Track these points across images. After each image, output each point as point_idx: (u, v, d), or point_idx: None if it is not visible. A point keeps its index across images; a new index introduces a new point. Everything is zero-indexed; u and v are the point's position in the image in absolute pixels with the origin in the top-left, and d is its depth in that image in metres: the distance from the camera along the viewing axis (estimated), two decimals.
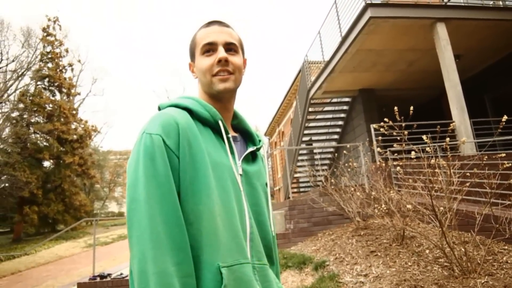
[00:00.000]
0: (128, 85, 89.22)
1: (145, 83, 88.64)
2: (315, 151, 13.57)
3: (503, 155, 3.34)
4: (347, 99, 12.03)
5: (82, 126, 26.81)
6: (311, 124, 12.75)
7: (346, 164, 6.04)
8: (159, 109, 1.07)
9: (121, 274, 5.53)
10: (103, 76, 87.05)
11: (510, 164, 3.27)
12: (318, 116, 12.66)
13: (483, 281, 2.87)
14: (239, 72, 1.10)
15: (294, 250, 5.11)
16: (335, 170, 6.95)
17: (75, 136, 25.14)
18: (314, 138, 13.76)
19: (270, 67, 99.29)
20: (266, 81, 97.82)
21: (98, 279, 5.42)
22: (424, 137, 3.08)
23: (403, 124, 4.16)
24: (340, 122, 12.58)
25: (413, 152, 3.18)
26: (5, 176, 21.63)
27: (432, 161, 3.23)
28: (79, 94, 28.60)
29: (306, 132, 12.70)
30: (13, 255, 15.98)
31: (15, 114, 24.52)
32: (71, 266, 13.26)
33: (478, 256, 3.31)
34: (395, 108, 3.66)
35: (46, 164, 26.72)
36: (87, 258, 14.92)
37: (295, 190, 16.11)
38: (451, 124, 3.77)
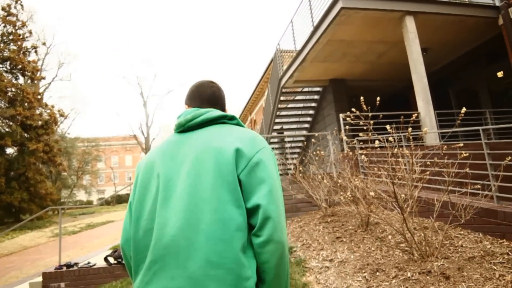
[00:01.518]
0: (98, 71, 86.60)
1: (115, 69, 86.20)
2: (285, 139, 13.71)
3: (461, 145, 3.50)
4: (318, 89, 12.18)
5: (48, 111, 25.82)
6: (283, 113, 12.86)
7: (315, 153, 6.15)
8: (238, 124, 1.40)
9: (88, 263, 5.45)
10: (71, 60, 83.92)
11: (467, 154, 3.44)
12: (290, 105, 12.77)
13: (439, 264, 3.04)
14: None
15: None
16: (304, 158, 7.06)
17: (40, 122, 24.21)
18: (285, 126, 13.91)
19: (243, 55, 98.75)
20: (239, 69, 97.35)
21: (64, 268, 5.32)
22: (387, 127, 3.18)
23: (370, 114, 4.30)
24: (311, 111, 12.75)
25: (377, 141, 3.29)
26: None
27: (395, 150, 3.36)
28: (43, 78, 27.54)
29: (277, 120, 12.81)
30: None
31: None
32: (36, 256, 12.90)
33: (437, 240, 3.48)
34: (361, 98, 3.76)
35: (9, 151, 25.73)
36: (53, 247, 14.56)
37: None
38: (413, 115, 3.91)
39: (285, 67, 11.35)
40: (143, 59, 78.30)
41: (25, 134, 24.01)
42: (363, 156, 4.25)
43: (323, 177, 5.44)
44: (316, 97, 12.37)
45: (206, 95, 1.44)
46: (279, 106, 12.14)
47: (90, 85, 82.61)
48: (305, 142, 12.81)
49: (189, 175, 1.18)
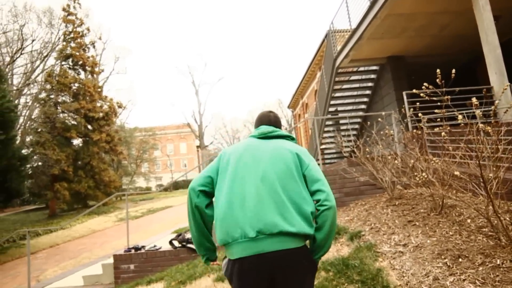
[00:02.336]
0: (150, 63, 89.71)
1: (167, 60, 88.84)
2: (343, 121, 13.32)
3: None
4: (374, 68, 11.63)
5: (107, 103, 27.19)
6: (337, 94, 12.47)
7: (382, 132, 5.85)
8: (294, 140, 2.11)
9: (154, 246, 5.64)
10: (126, 54, 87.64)
11: None
12: (345, 86, 12.34)
13: None
14: None
15: None
16: (364, 139, 6.76)
17: (101, 114, 25.59)
18: (340, 108, 13.50)
19: (293, 38, 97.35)
20: (289, 53, 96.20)
21: (133, 251, 5.55)
22: (473, 100, 2.88)
23: (444, 90, 3.98)
24: (368, 92, 12.23)
25: (460, 116, 3.00)
26: (37, 155, 22.37)
27: (479, 126, 3.04)
28: (102, 71, 28.89)
29: (332, 102, 12.46)
30: (50, 229, 16.69)
31: (43, 95, 25.14)
32: (104, 239, 13.75)
33: None
34: (438, 71, 3.45)
35: (75, 142, 27.49)
36: (118, 231, 15.44)
37: (322, 161, 16.00)
38: (484, 90, 3.53)
39: (339, 47, 10.93)
40: (193, 49, 79.88)
41: (89, 126, 25.49)
42: (435, 135, 3.93)
43: (392, 157, 5.17)
44: (372, 76, 11.82)
45: (273, 120, 2.18)
46: (334, 87, 11.76)
47: (144, 77, 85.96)
48: (362, 124, 12.36)
49: (269, 161, 1.87)
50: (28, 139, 24.72)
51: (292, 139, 2.12)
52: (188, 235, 5.46)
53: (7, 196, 12.21)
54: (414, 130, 5.85)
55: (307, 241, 1.80)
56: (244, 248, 1.69)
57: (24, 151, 24.12)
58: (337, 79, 11.64)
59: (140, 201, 32.77)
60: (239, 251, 1.70)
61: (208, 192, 1.93)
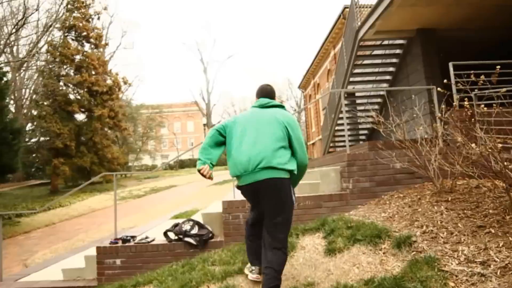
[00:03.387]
0: (158, 38, 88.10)
1: (175, 36, 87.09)
2: (360, 101, 12.20)
3: None
4: (401, 41, 10.42)
5: (112, 78, 26.19)
6: (357, 70, 11.32)
7: (413, 113, 4.80)
8: (284, 109, 3.08)
9: (147, 237, 4.74)
10: (133, 29, 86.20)
11: None
12: (366, 61, 11.17)
13: None
14: None
15: (355, 216, 4.08)
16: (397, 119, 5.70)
17: (104, 89, 24.61)
18: (359, 86, 12.34)
19: (305, 16, 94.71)
20: (300, 31, 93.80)
21: (120, 242, 4.67)
22: None
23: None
24: (391, 69, 11.04)
25: None
26: (38, 128, 21.61)
27: None
28: (107, 44, 27.80)
29: (352, 79, 11.31)
30: (49, 206, 16.00)
31: (45, 66, 24.17)
32: (102, 219, 13.00)
33: None
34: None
35: (79, 118, 26.69)
36: (119, 211, 14.64)
37: (338, 144, 14.95)
38: None
39: (364, 17, 9.72)
40: (202, 25, 78.07)
41: (92, 100, 24.57)
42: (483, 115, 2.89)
43: (437, 140, 4.14)
44: (398, 51, 10.62)
45: (269, 92, 3.15)
46: (355, 62, 10.61)
47: (152, 53, 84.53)
48: (383, 103, 11.26)
49: (267, 125, 2.84)
50: (32, 113, 23.96)
51: (282, 107, 3.08)
52: (186, 226, 4.55)
53: (1, 171, 11.40)
54: (466, 108, 4.81)
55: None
56: (246, 179, 2.78)
57: (29, 125, 23.48)
58: (359, 53, 10.48)
59: (145, 179, 32.13)
60: (244, 180, 2.80)
61: (221, 134, 2.98)
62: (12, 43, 24.49)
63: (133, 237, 4.84)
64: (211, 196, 13.93)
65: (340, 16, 21.63)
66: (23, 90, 25.37)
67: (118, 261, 4.53)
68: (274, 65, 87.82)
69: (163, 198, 17.27)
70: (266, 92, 3.11)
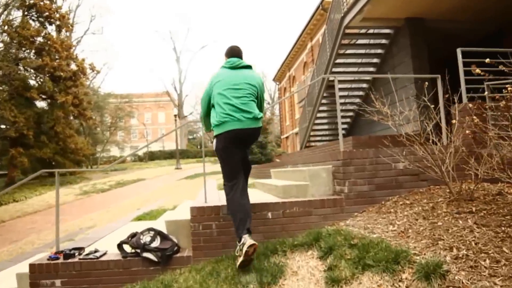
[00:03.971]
0: (130, 25, 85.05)
1: (148, 23, 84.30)
2: (341, 93, 11.52)
3: None
4: (387, 31, 9.80)
5: (76, 63, 24.48)
6: (340, 61, 10.64)
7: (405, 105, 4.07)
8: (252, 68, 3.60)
9: (96, 251, 3.82)
10: (103, 14, 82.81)
11: None
12: (349, 51, 10.50)
13: None
14: None
15: (355, 228, 3.33)
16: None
17: (68, 74, 22.93)
18: (340, 78, 11.67)
19: (279, 9, 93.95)
20: (274, 24, 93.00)
21: (61, 258, 3.73)
22: None
23: None
24: (375, 60, 10.44)
25: None
26: None
27: None
28: (72, 26, 25.93)
29: (334, 69, 10.62)
30: (0, 202, 14.58)
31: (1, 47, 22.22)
32: (60, 217, 11.78)
33: None
34: None
35: (42, 105, 24.86)
36: (79, 207, 13.51)
37: (315, 138, 14.30)
38: None
39: (351, 2, 9.00)
40: (176, 13, 75.85)
41: (55, 87, 22.85)
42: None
43: (456, 137, 3.44)
44: (384, 41, 10.01)
45: (240, 53, 3.57)
46: (339, 51, 9.90)
47: (122, 40, 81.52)
48: (364, 96, 10.65)
49: (245, 83, 3.36)
50: None
51: (251, 68, 3.57)
52: (146, 238, 3.68)
53: None
54: (478, 102, 4.16)
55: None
56: (234, 125, 3.24)
57: None
58: (343, 41, 9.78)
59: (112, 171, 30.61)
60: (232, 126, 3.24)
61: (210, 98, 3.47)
62: None
63: (79, 249, 3.90)
64: (181, 192, 13.00)
65: (318, 7, 20.94)
66: None
67: (57, 282, 3.60)
68: (248, 57, 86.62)
69: (129, 193, 16.13)
70: (237, 53, 3.57)
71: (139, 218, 6.82)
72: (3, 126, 21.26)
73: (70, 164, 24.34)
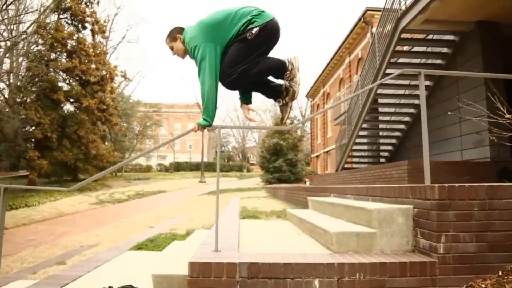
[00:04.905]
0: (164, 35, 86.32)
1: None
2: (384, 118, 9.98)
3: None
4: (451, 37, 8.27)
5: (105, 68, 23.98)
6: (391, 71, 9.16)
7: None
8: None
9: None
10: (139, 22, 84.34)
11: None
12: (401, 60, 9.03)
13: None
14: (177, 51, 2.83)
15: None
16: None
17: (96, 78, 22.40)
18: (389, 91, 10.15)
19: (314, 24, 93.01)
20: (309, 39, 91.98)
21: None
22: None
23: None
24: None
25: None
26: (17, 116, 19.34)
27: None
28: (104, 32, 25.51)
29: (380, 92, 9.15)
30: (11, 205, 13.75)
31: (34, 48, 22.02)
32: (66, 228, 10.74)
33: None
34: None
35: (67, 108, 24.49)
36: (90, 219, 12.45)
37: (354, 160, 12.74)
38: None
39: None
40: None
41: (83, 91, 22.37)
42: None
43: None
44: (445, 50, 8.47)
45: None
46: (391, 60, 8.43)
47: (156, 49, 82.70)
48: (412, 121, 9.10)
49: None
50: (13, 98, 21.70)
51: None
52: None
53: None
54: None
55: None
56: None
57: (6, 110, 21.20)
58: (397, 48, 8.33)
59: (135, 180, 29.90)
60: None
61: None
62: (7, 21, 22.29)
63: None
64: (200, 210, 11.68)
65: (359, 20, 19.63)
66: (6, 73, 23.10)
67: None
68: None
69: (146, 206, 14.97)
70: None
71: (139, 247, 5.52)
72: (27, 128, 20.90)
73: (92, 170, 23.68)
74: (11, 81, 21.89)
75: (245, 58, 2.64)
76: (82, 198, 17.21)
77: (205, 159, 31.32)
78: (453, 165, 6.41)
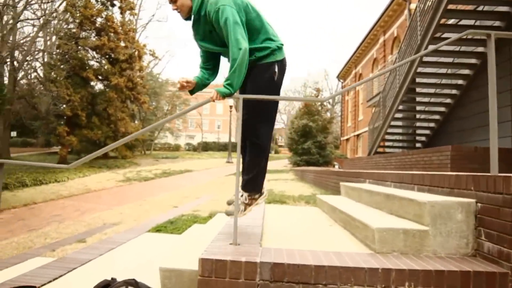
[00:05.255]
0: None
1: None
2: (421, 99, 9.21)
3: None
4: (505, 8, 7.40)
5: (134, 46, 23.89)
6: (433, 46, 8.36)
7: None
8: None
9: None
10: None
11: None
12: (446, 34, 8.22)
13: None
14: (181, 7, 2.38)
15: None
16: None
17: (124, 56, 22.36)
18: (429, 69, 9.36)
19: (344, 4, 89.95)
20: (340, 20, 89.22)
21: None
22: None
23: None
24: (481, 49, 8.05)
25: None
26: (49, 93, 19.60)
27: None
28: (132, 8, 25.30)
29: (426, 59, 8.40)
30: (41, 180, 13.99)
31: (65, 26, 22.14)
32: (91, 205, 10.75)
33: None
34: None
35: (98, 87, 24.72)
36: (115, 196, 12.47)
37: (387, 144, 12.07)
38: None
39: None
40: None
41: (112, 68, 22.43)
42: None
43: None
44: (497, 23, 7.61)
45: None
46: (435, 34, 7.66)
47: (186, 29, 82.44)
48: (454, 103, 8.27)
49: None
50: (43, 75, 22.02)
51: None
52: None
53: None
54: None
55: None
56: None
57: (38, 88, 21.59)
58: (442, 21, 7.54)
59: (162, 159, 30.11)
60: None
61: None
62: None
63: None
64: (225, 191, 11.44)
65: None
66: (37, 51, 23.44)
67: None
68: (310, 54, 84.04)
69: (172, 185, 14.89)
70: None
71: (158, 229, 5.26)
72: (59, 105, 21.21)
73: (121, 148, 23.97)
74: (45, 59, 22.19)
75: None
76: (110, 175, 17.38)
77: (233, 140, 31.03)
78: (504, 152, 5.75)
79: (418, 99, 10.38)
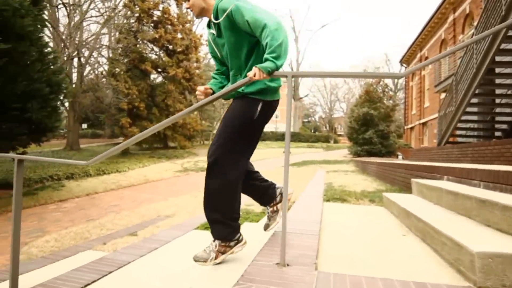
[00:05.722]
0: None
1: (268, 1, 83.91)
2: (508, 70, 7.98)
3: None
4: None
5: (190, 37, 24.05)
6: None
7: None
8: None
9: None
10: None
11: None
12: None
13: None
14: (192, 6, 2.19)
15: None
16: None
17: (181, 48, 22.58)
18: (509, 47, 8.11)
19: None
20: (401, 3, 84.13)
21: None
22: None
23: None
24: None
25: None
26: (110, 87, 20.40)
27: None
28: (188, 0, 25.37)
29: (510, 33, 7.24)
30: (104, 170, 14.50)
31: (124, 21, 22.85)
32: (148, 195, 10.84)
33: None
34: None
35: (157, 79, 25.33)
36: (172, 186, 12.54)
37: (458, 133, 10.88)
38: None
39: None
40: None
41: (169, 60, 22.80)
42: None
43: None
44: None
45: None
46: None
47: None
48: None
49: None
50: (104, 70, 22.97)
51: None
52: None
53: (34, 130, 9.60)
54: None
55: None
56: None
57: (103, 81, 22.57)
58: None
59: None
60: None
61: None
62: None
63: None
64: (282, 182, 10.99)
65: None
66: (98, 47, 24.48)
67: None
68: (370, 39, 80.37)
69: None
70: None
71: (206, 226, 4.91)
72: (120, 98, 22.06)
73: (180, 138, 24.44)
74: (110, 55, 23.14)
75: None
76: (169, 165, 17.67)
77: (291, 130, 30.43)
78: None
79: (498, 81, 9.12)
